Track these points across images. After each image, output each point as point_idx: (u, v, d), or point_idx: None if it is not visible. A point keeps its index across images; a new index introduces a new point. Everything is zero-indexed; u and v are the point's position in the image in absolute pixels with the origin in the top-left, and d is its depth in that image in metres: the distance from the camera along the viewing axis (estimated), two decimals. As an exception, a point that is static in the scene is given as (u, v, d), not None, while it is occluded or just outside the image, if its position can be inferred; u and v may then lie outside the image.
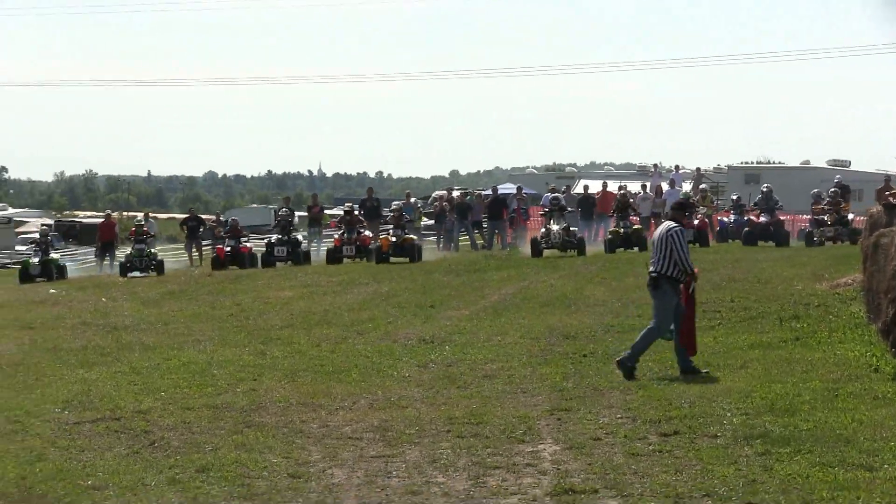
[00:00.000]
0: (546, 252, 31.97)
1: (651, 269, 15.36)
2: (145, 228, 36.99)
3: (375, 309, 24.05)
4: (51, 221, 78.03)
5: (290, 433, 13.16)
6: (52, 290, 32.15)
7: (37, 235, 42.14)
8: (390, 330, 20.88)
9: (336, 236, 36.69)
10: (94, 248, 45.73)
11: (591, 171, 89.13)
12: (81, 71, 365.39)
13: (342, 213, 40.23)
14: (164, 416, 14.35)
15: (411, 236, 33.61)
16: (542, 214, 36.52)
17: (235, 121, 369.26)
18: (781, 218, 36.69)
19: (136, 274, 35.26)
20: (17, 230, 65.50)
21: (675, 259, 14.78)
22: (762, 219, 35.54)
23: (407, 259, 32.36)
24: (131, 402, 15.24)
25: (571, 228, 31.83)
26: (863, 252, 19.38)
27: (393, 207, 37.11)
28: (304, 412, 14.32)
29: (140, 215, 52.17)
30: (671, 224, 15.31)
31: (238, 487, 10.80)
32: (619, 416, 13.25)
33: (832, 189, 36.32)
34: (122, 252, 39.76)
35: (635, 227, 34.17)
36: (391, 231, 33.91)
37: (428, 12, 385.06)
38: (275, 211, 41.49)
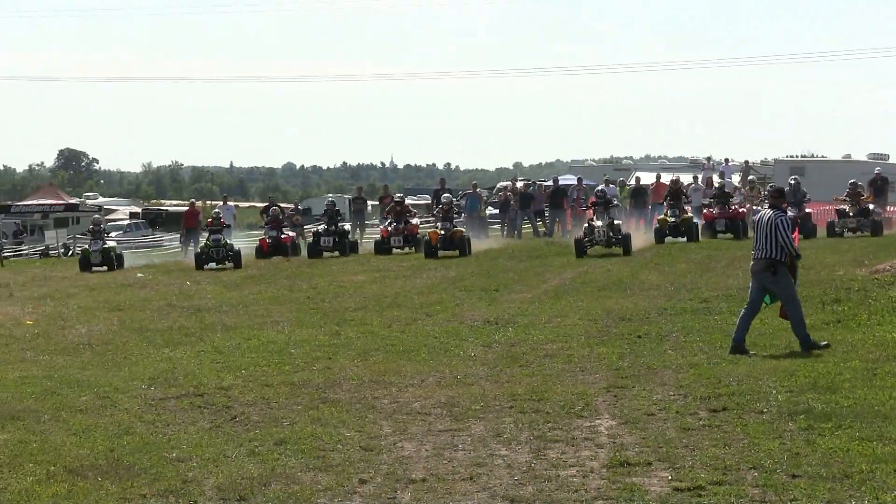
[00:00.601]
0: (591, 250, 29.21)
1: (760, 254, 15.75)
2: (221, 220, 35.87)
3: (443, 292, 24.43)
4: (139, 209, 79.19)
5: (362, 409, 13.33)
6: (139, 275, 32.86)
7: (91, 226, 40.93)
8: (457, 312, 21.17)
9: (383, 227, 35.80)
10: (178, 235, 46.43)
11: (646, 163, 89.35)
12: (171, 68, 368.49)
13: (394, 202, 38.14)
14: (245, 392, 14.58)
15: (460, 229, 32.27)
16: (586, 208, 35.65)
17: (313, 115, 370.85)
18: (808, 210, 35.89)
19: (212, 266, 33.77)
20: (107, 217, 66.45)
21: (781, 244, 15.08)
22: (790, 212, 34.95)
23: (456, 252, 30.88)
24: (213, 380, 15.51)
25: (616, 222, 28.70)
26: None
27: (443, 201, 34.88)
28: (375, 389, 14.46)
29: (219, 204, 51.72)
30: (774, 211, 15.52)
31: (314, 459, 10.90)
32: (671, 393, 13.36)
33: (852, 182, 35.78)
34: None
35: (684, 216, 32.66)
36: (439, 224, 32.28)
37: (483, 10, 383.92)
38: (328, 201, 39.93)
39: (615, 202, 34.53)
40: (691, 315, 18.58)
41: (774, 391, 13.07)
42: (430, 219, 36.70)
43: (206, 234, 34.09)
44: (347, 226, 39.51)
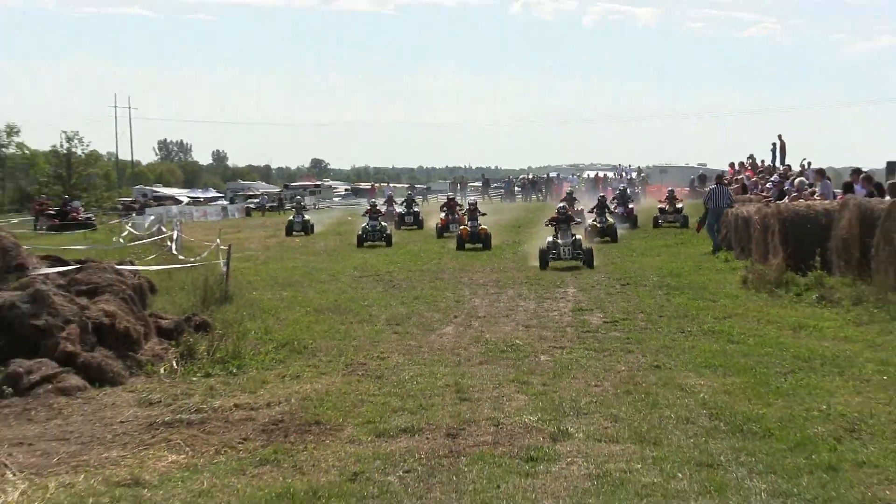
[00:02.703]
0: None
1: (710, 205, 24.86)
2: (378, 207, 34.05)
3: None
4: (349, 186, 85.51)
5: (455, 283, 19.47)
6: (349, 217, 42.01)
7: (295, 203, 45.07)
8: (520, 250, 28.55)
9: (442, 216, 35.45)
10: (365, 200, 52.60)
11: (590, 167, 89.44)
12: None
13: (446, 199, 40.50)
14: (399, 274, 21.20)
15: (485, 227, 28.77)
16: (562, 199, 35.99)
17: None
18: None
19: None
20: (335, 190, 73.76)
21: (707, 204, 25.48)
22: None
23: (480, 245, 28.06)
24: (384, 268, 22.43)
25: (577, 238, 22.69)
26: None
27: (469, 202, 33.65)
28: (461, 274, 20.75)
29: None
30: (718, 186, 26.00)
31: (432, 306, 15.90)
32: (603, 277, 19.61)
33: (670, 189, 38.58)
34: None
35: (608, 223, 31.31)
36: (469, 223, 29.51)
37: None
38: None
39: (577, 206, 36.08)
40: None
41: (652, 276, 19.37)
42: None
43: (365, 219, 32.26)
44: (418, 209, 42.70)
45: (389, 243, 30.49)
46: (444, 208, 36.21)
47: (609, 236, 30.06)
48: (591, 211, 32.40)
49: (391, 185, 67.93)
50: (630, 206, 37.26)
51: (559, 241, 22.21)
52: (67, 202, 50.63)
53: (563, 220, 22.80)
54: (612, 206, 34.61)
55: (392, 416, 8.69)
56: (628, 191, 40.84)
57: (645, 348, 11.79)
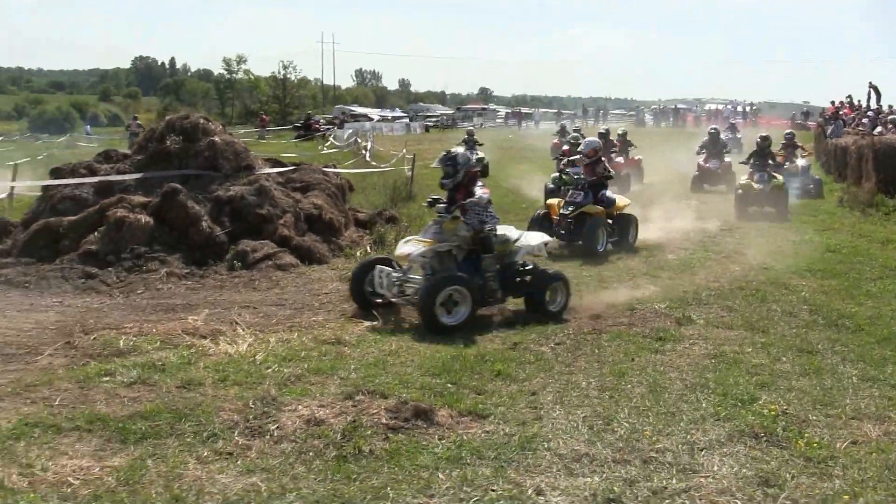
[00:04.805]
0: None
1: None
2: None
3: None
4: (510, 109, 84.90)
5: None
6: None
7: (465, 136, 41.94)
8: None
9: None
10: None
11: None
12: None
13: None
14: None
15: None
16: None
17: None
18: None
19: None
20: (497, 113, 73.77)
21: None
22: None
23: None
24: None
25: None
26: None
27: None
28: None
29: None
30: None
31: None
32: (715, 196, 18.39)
33: None
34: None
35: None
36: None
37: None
38: None
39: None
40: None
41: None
42: None
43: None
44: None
45: None
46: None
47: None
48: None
49: (540, 111, 67.02)
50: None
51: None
52: (310, 116, 52.67)
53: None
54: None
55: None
56: (722, 136, 35.11)
57: (756, 253, 11.89)
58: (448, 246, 8.27)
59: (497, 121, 70.42)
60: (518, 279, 8.51)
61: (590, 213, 12.29)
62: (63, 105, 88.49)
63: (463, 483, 4.53)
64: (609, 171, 13.00)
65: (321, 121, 52.60)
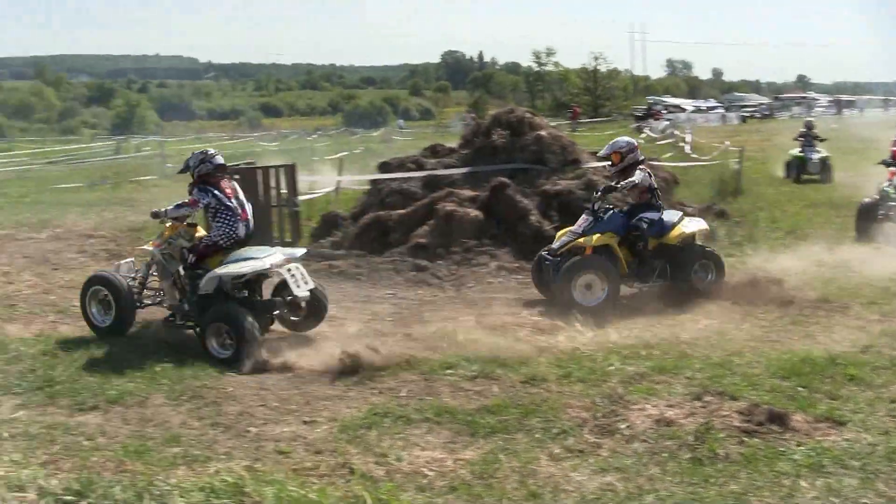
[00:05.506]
0: None
1: None
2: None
3: None
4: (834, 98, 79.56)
5: None
6: None
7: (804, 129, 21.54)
8: None
9: None
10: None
11: None
12: None
13: None
14: None
15: None
16: None
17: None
18: None
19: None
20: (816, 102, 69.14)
21: None
22: None
23: None
24: None
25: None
26: None
27: None
28: None
29: None
30: None
31: None
32: None
33: None
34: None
35: None
36: None
37: None
38: None
39: None
40: None
41: None
42: None
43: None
44: None
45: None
46: None
47: None
48: None
49: (865, 97, 61.30)
50: None
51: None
52: (652, 105, 55.35)
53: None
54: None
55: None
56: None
57: None
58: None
59: (818, 109, 66.14)
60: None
61: (583, 247, 8.64)
62: (375, 100, 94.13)
63: (829, 493, 4.26)
64: (651, 185, 8.97)
65: (663, 111, 52.39)
